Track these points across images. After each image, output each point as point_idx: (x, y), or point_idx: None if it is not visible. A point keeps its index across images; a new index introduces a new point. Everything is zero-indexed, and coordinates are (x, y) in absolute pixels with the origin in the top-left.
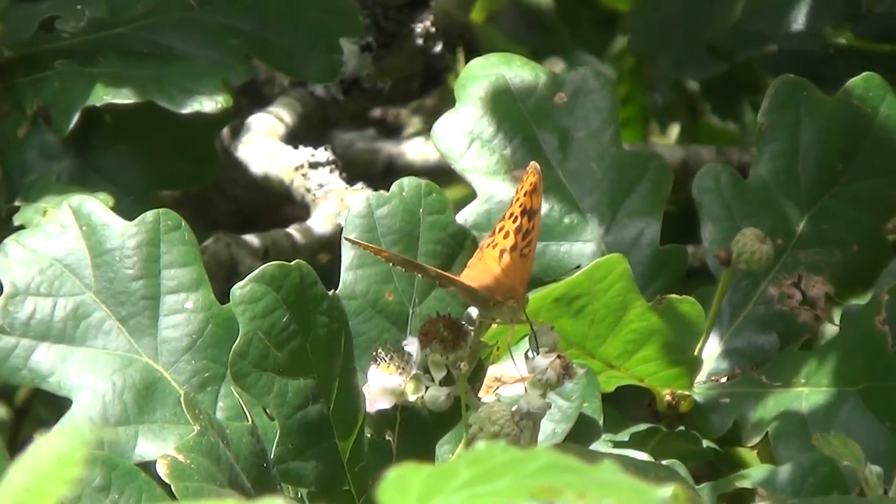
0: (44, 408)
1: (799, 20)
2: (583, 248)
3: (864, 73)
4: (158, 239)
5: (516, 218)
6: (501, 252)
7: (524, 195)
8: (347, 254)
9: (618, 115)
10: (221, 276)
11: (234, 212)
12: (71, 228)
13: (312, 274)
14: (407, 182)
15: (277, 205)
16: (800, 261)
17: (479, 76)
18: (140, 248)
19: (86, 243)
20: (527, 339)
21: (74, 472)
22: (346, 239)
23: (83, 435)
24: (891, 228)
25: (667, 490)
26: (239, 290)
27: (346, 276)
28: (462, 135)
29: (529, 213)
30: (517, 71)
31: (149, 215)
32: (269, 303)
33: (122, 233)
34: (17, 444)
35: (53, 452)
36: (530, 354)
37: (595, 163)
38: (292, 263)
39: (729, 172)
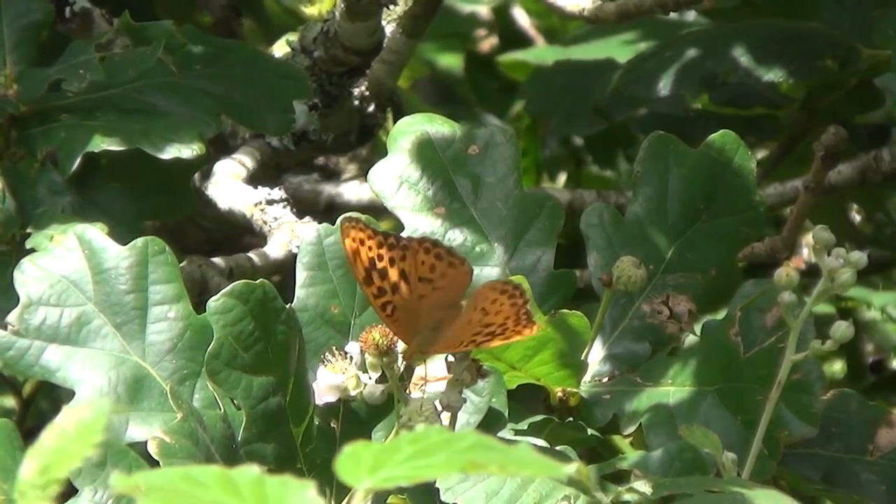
0: (45, 400)
1: (665, 88)
2: (490, 271)
3: (722, 131)
4: (146, 260)
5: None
6: None
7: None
8: (301, 274)
9: (520, 164)
10: (195, 292)
11: (204, 239)
12: (75, 251)
13: (273, 291)
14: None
15: (240, 234)
16: (668, 283)
17: (408, 131)
18: (132, 267)
19: (87, 264)
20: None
21: (96, 438)
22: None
23: (103, 408)
24: (742, 257)
25: (572, 466)
26: (213, 302)
27: (299, 292)
28: (393, 178)
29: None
30: (438, 127)
31: (139, 241)
32: (238, 314)
33: (117, 255)
34: (22, 430)
35: (79, 421)
36: (450, 358)
37: (501, 203)
38: (257, 282)
39: (610, 211)
